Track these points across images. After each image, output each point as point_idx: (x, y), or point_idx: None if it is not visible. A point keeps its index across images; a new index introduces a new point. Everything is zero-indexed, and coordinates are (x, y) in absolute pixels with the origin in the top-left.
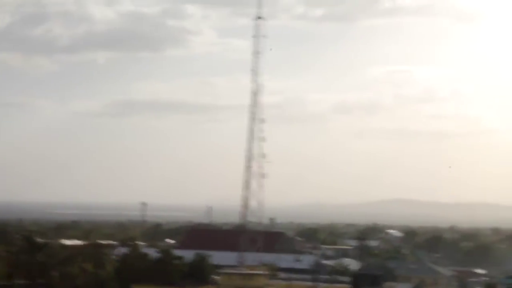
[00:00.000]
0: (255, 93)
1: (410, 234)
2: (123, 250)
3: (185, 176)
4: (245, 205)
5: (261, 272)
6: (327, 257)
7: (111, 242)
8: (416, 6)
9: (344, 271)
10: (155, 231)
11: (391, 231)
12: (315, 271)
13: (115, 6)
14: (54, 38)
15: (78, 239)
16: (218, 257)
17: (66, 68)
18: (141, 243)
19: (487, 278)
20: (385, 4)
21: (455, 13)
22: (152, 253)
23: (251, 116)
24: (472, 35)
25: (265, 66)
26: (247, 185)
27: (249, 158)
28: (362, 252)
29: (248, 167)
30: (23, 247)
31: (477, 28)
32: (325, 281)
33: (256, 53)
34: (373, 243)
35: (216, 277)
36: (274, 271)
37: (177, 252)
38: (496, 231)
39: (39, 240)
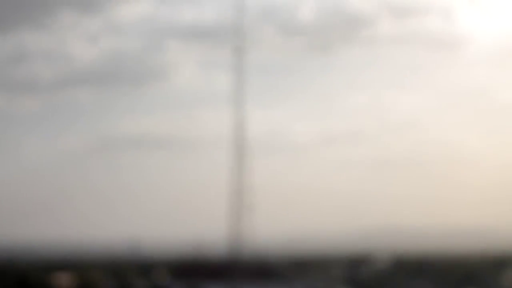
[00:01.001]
0: (239, 125)
1: (399, 261)
2: (115, 285)
3: (174, 210)
4: (235, 238)
5: None
6: (319, 287)
7: (103, 278)
8: (396, 34)
9: None
10: (146, 266)
11: (381, 258)
12: None
13: (97, 43)
14: (36, 76)
15: (70, 278)
16: None
17: (50, 106)
18: (133, 277)
19: None
20: (365, 32)
21: (436, 41)
22: None
23: (236, 148)
24: (453, 63)
25: (248, 98)
26: (235, 217)
27: (236, 191)
28: (353, 281)
29: (235, 200)
30: None
31: (459, 55)
32: None
33: (238, 85)
34: (363, 271)
35: None
36: None
37: (169, 286)
38: (485, 257)
39: (31, 281)
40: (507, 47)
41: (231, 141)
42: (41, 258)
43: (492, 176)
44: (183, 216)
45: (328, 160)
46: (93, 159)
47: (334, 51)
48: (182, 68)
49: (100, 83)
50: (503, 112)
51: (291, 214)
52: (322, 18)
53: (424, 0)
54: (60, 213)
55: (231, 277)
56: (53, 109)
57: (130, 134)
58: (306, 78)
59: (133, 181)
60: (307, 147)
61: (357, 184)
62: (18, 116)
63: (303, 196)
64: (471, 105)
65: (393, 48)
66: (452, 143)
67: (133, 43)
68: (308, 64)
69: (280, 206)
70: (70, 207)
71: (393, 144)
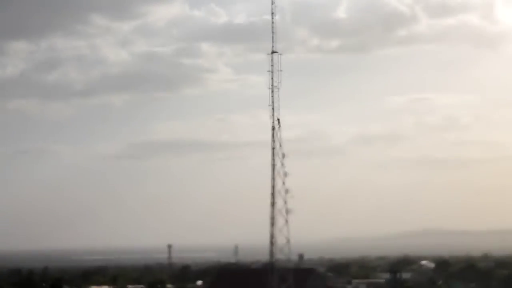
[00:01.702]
0: (275, 128)
1: (442, 264)
2: None
3: (210, 215)
4: (273, 243)
5: None
6: None
7: (139, 286)
8: (432, 33)
9: None
10: (183, 273)
11: (424, 262)
12: None
13: (129, 47)
14: (70, 82)
15: (106, 284)
16: None
17: (83, 112)
18: (170, 286)
19: None
20: (400, 33)
21: (473, 39)
22: None
23: (272, 152)
24: (492, 60)
25: (283, 100)
26: (273, 222)
27: (273, 194)
28: (395, 285)
29: (273, 204)
30: None
31: (497, 53)
32: None
33: (273, 88)
34: (405, 275)
35: None
36: None
37: None
38: None
39: (66, 287)
40: None
41: (267, 144)
42: (77, 265)
43: None
44: (220, 221)
45: (366, 161)
46: (125, 165)
47: (370, 52)
48: (215, 71)
49: (133, 88)
50: None
51: (331, 216)
52: (357, 18)
53: None
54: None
55: (270, 283)
56: (86, 115)
57: (163, 139)
58: (342, 79)
59: (166, 186)
60: (344, 149)
61: (396, 186)
62: (51, 122)
63: (343, 198)
64: None
65: (430, 47)
66: (493, 143)
67: (166, 47)
68: (344, 65)
69: (320, 209)
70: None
71: (432, 145)
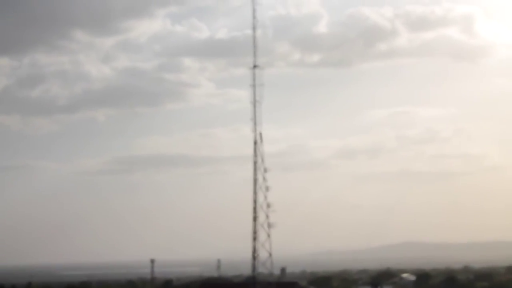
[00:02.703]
0: (257, 143)
1: (423, 277)
2: None
3: (193, 230)
4: (255, 257)
5: None
6: None
7: None
8: (413, 47)
9: None
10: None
11: (405, 275)
12: None
13: (112, 63)
14: (53, 98)
15: None
16: None
17: (66, 127)
18: None
19: None
20: (381, 47)
21: (453, 52)
22: None
23: (254, 166)
24: (472, 73)
25: (265, 115)
26: (255, 236)
27: (255, 209)
28: None
29: (255, 218)
30: None
31: (477, 66)
32: None
33: (255, 102)
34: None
35: None
36: None
37: None
38: (510, 269)
39: None
40: None
41: (250, 159)
42: (60, 281)
43: None
44: (203, 236)
45: (347, 175)
46: (109, 180)
47: (351, 66)
48: (198, 86)
49: (116, 103)
50: None
51: (313, 230)
52: (338, 32)
53: (442, 13)
54: (77, 235)
55: None
56: (70, 130)
57: (147, 154)
58: (323, 93)
59: (150, 200)
60: (326, 163)
61: (377, 198)
62: (35, 138)
63: (324, 211)
64: (492, 117)
65: (411, 60)
66: (474, 156)
67: (148, 63)
68: (325, 79)
69: (302, 222)
70: (86, 229)
71: (413, 158)
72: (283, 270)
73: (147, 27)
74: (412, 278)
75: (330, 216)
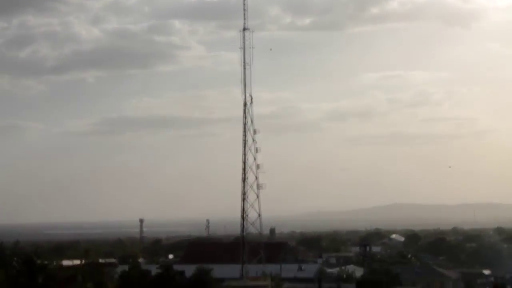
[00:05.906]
0: (247, 105)
1: (412, 238)
2: (123, 267)
3: (182, 190)
4: (244, 217)
5: (264, 283)
6: (331, 265)
7: (110, 260)
8: (405, 11)
9: (348, 278)
10: (154, 247)
11: (394, 236)
12: (319, 279)
13: (101, 25)
14: (42, 59)
15: (78, 259)
16: (220, 270)
17: (55, 88)
18: (141, 259)
19: (494, 279)
20: (373, 10)
21: (445, 16)
22: (153, 269)
23: (244, 128)
24: (464, 38)
25: (258, 78)
26: (244, 196)
27: (244, 170)
28: (365, 258)
29: (244, 179)
30: (22, 270)
31: (469, 30)
32: None
33: (244, 65)
34: (376, 248)
35: None
36: (278, 281)
37: (178, 267)
38: (499, 231)
39: (38, 262)
40: None
41: (240, 120)
42: (49, 239)
43: (505, 151)
44: (192, 196)
45: (338, 137)
46: (98, 140)
47: (343, 29)
48: (188, 48)
49: (106, 65)
50: None
51: (303, 191)
52: None
53: None
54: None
55: (241, 257)
56: (59, 92)
57: (136, 115)
58: (315, 56)
59: (139, 161)
60: (317, 125)
61: (368, 160)
62: (23, 99)
63: (315, 172)
64: (484, 81)
65: (403, 24)
66: (464, 119)
67: (138, 25)
68: (316, 43)
69: (292, 183)
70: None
71: (404, 121)
72: (272, 230)
73: None
74: (401, 239)
75: (320, 178)
